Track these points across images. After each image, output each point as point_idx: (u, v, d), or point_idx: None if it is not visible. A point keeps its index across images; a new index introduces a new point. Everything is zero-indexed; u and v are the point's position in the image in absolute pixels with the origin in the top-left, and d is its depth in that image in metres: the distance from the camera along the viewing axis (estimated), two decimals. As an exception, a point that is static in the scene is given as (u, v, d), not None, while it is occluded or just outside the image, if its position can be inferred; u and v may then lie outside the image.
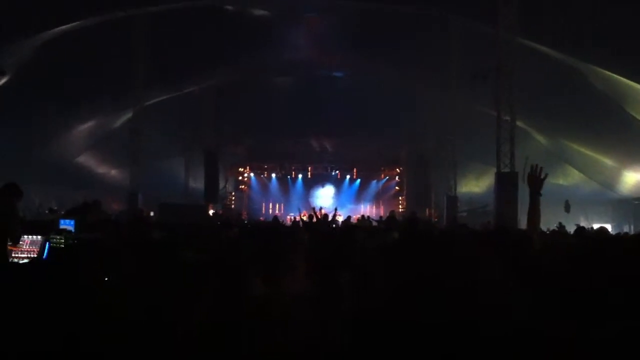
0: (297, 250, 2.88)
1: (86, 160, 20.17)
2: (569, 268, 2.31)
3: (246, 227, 10.24)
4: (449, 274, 1.92)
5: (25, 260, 5.25)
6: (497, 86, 12.89)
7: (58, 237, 5.48)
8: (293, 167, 26.36)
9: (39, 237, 5.46)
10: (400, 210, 24.37)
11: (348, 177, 26.40)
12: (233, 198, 25.82)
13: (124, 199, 17.70)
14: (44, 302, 2.03)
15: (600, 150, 17.49)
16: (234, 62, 18.19)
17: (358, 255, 3.74)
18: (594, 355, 1.63)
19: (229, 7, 15.85)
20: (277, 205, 26.11)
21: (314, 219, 10.66)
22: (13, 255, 5.37)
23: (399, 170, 26.09)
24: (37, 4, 11.85)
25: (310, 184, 26.22)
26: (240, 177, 26.48)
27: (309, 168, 26.30)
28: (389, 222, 12.63)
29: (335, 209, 13.32)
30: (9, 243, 5.39)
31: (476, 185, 22.01)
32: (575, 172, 19.56)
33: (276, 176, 26.63)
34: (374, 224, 14.87)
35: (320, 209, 14.28)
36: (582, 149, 18.06)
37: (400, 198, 25.77)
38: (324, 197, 25.69)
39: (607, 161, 17.84)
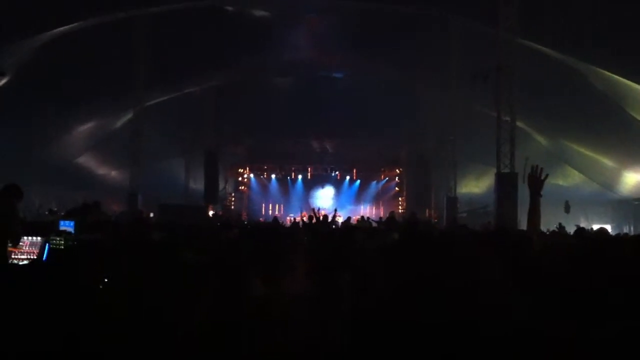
0: (296, 251, 2.88)
1: (86, 161, 20.14)
2: (569, 268, 2.31)
3: (246, 227, 10.25)
4: (449, 274, 1.92)
5: (25, 262, 5.24)
6: (497, 86, 12.88)
7: (58, 238, 5.45)
8: (293, 168, 26.32)
9: (39, 238, 5.43)
10: (400, 211, 24.34)
11: (348, 177, 26.35)
12: (233, 199, 25.81)
13: (123, 199, 17.68)
14: (43, 303, 2.03)
15: (600, 151, 17.46)
16: (235, 62, 18.19)
17: (358, 256, 3.73)
18: (594, 355, 1.63)
19: (230, 8, 15.85)
20: (277, 206, 26.08)
21: (314, 220, 10.63)
22: (13, 256, 5.35)
23: (398, 171, 26.05)
24: (37, 4, 11.82)
25: (310, 185, 26.18)
26: (240, 178, 26.47)
27: (309, 169, 26.26)
28: (388, 223, 12.62)
29: (335, 210, 13.30)
30: (9, 244, 5.38)
31: (476, 185, 21.99)
32: (575, 172, 19.53)
33: (276, 177, 26.60)
34: (374, 224, 14.85)
35: (319, 209, 14.27)
36: (582, 150, 18.03)
37: (400, 199, 25.75)
38: (324, 198, 25.65)
39: (607, 162, 17.81)
